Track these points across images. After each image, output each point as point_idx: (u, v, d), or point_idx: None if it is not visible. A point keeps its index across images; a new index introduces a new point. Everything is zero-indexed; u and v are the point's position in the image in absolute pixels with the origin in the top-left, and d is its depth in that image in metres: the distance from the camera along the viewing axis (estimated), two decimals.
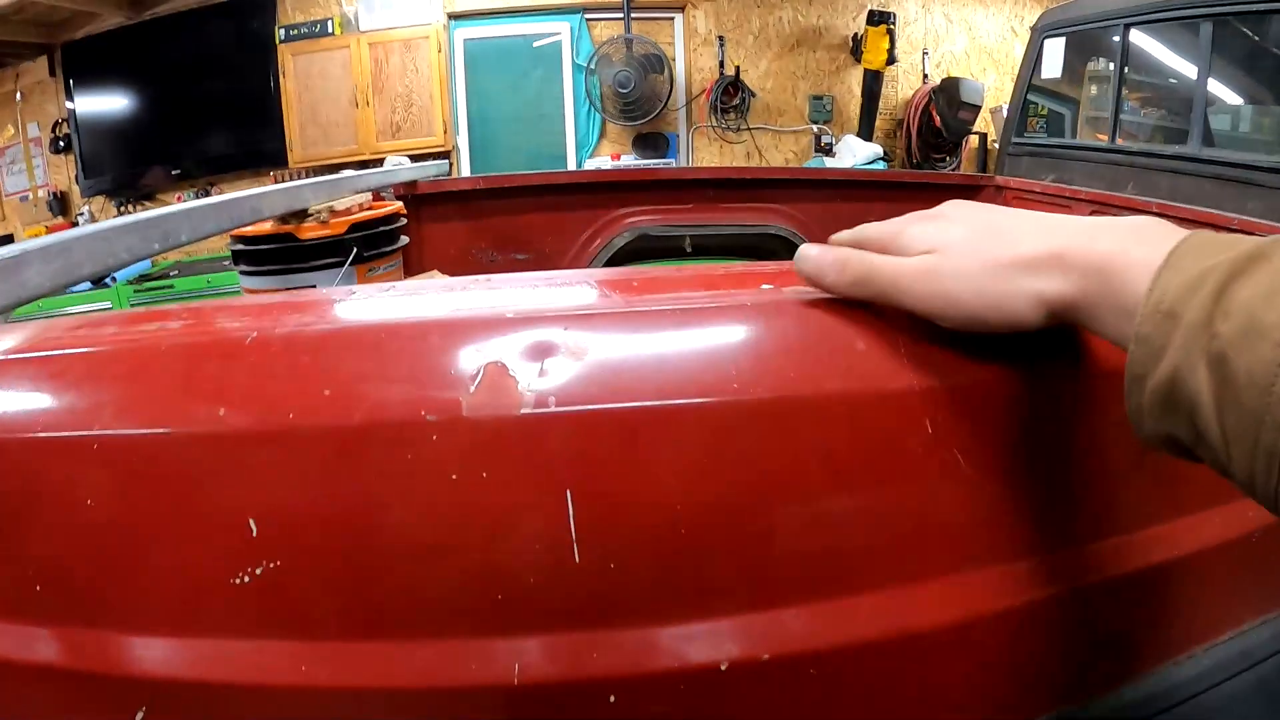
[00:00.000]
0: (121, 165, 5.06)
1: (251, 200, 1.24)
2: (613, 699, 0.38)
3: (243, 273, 1.54)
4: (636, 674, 0.39)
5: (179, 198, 4.97)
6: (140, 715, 0.42)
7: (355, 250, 1.48)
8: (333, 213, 1.47)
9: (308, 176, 4.46)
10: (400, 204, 1.75)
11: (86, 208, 5.09)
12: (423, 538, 0.38)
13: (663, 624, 0.39)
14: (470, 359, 0.39)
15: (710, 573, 0.39)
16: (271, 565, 0.38)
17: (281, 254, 1.47)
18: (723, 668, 0.38)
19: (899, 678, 0.43)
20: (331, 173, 4.44)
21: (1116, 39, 2.65)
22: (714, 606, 0.39)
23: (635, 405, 0.39)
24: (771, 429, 0.39)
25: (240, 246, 1.51)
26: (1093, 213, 2.20)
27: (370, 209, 1.61)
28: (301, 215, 1.46)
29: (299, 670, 0.40)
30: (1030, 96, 2.94)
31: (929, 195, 2.64)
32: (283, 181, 4.18)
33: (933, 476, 0.41)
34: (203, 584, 0.41)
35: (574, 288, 0.49)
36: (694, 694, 0.39)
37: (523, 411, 0.37)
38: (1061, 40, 2.84)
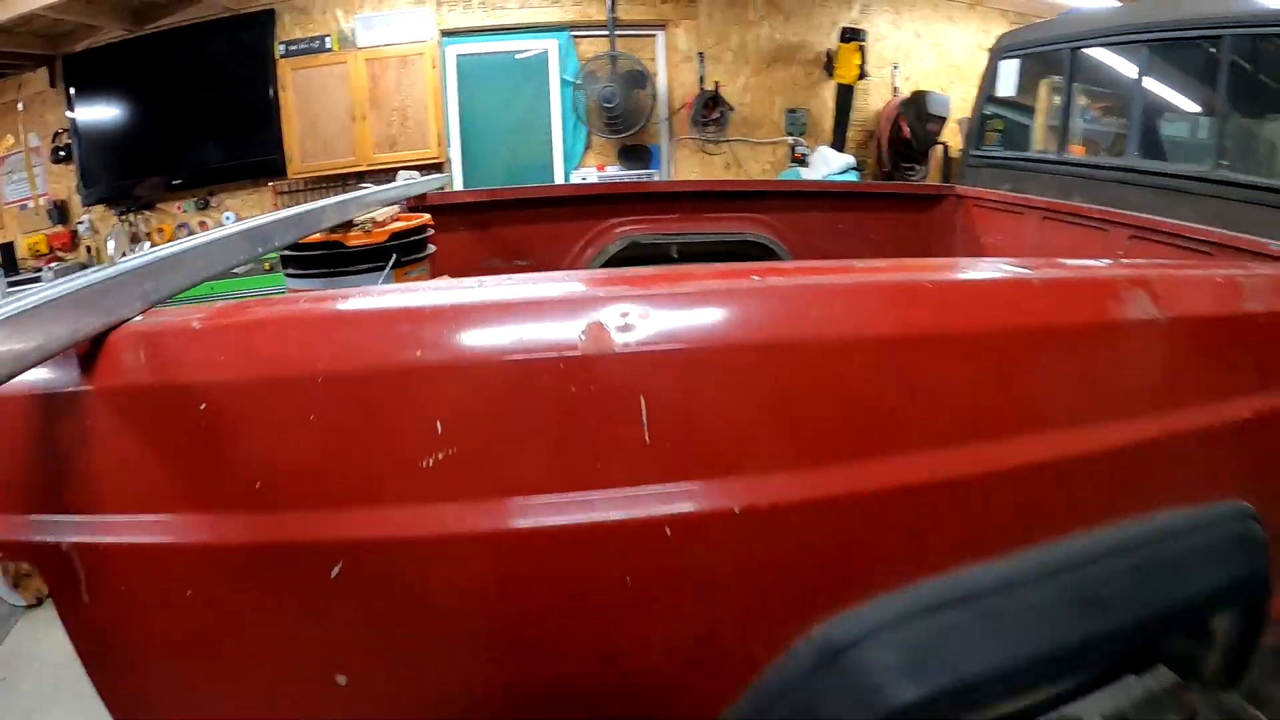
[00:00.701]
0: (121, 175, 5.14)
1: (322, 212, 1.49)
2: (668, 532, 0.66)
3: (290, 275, 1.75)
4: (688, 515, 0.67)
5: (179, 207, 5.16)
6: (337, 569, 0.66)
7: (395, 256, 1.69)
8: (375, 223, 1.69)
9: (307, 187, 4.63)
10: (428, 215, 1.95)
11: (87, 216, 5.22)
12: (552, 430, 0.67)
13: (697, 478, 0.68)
14: (578, 321, 0.68)
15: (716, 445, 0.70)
16: (450, 452, 0.63)
17: (329, 259, 1.68)
18: (737, 510, 0.68)
19: None
20: (331, 183, 4.62)
21: (1065, 61, 2.90)
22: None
23: (679, 347, 0.69)
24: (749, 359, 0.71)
25: (290, 253, 1.72)
26: (1043, 219, 2.46)
27: (401, 220, 1.83)
28: (348, 225, 1.67)
29: (463, 521, 0.65)
30: (991, 111, 3.23)
31: (895, 205, 2.91)
32: (282, 192, 4.34)
33: None
34: (401, 467, 0.65)
35: (626, 279, 0.76)
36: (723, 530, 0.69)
37: (615, 351, 0.66)
38: (1015, 62, 3.10)
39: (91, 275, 0.73)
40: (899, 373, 0.77)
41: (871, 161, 5.59)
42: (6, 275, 4.81)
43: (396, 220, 1.83)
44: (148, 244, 5.13)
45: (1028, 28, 3.33)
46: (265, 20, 4.96)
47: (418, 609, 0.70)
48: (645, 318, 0.69)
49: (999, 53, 3.19)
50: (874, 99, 5.61)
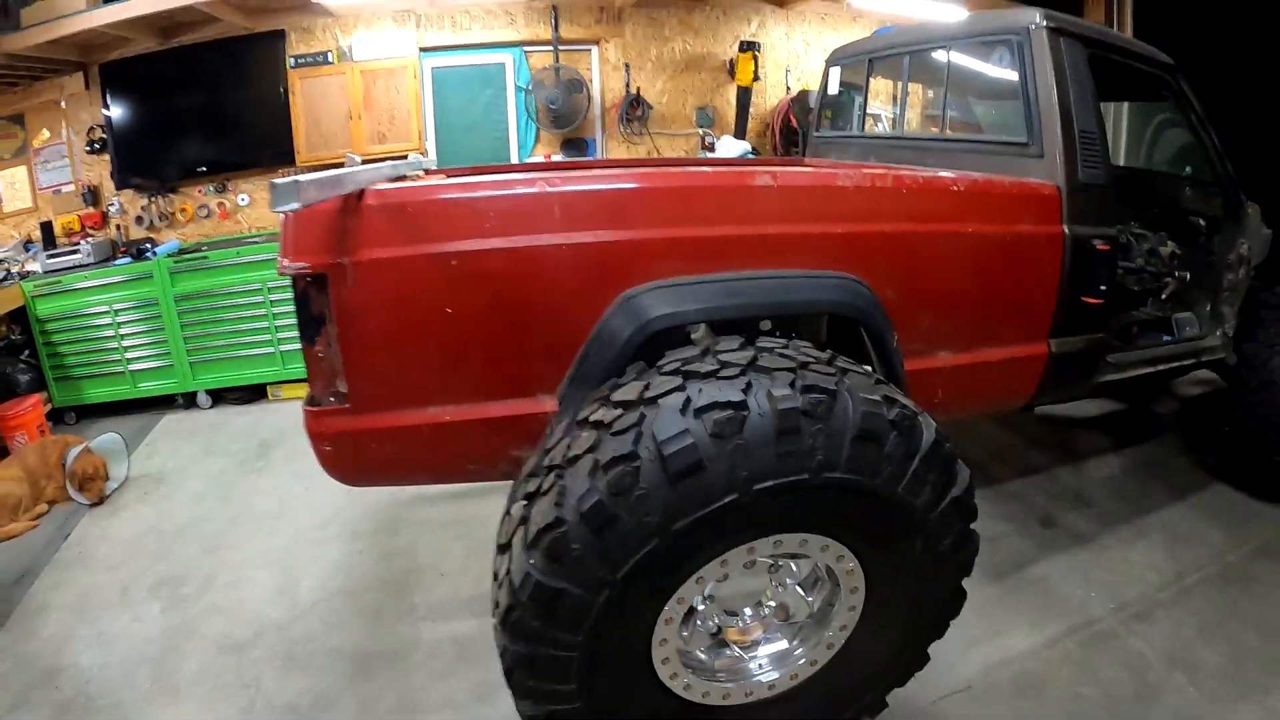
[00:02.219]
0: (150, 163, 5.93)
1: (394, 168, 2.57)
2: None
3: None
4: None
5: (200, 190, 6.05)
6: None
7: None
8: (418, 177, 2.94)
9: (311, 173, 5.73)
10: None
11: (117, 199, 6.01)
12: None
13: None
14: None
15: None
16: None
17: None
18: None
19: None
20: (332, 169, 5.86)
21: (865, 67, 3.99)
22: None
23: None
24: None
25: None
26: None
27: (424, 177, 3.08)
28: (402, 178, 2.82)
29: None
30: (824, 104, 4.34)
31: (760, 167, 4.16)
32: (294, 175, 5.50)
33: None
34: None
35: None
36: None
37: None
38: (838, 69, 4.16)
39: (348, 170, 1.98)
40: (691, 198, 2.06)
41: (767, 147, 6.62)
42: (46, 249, 5.68)
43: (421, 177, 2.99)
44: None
45: (847, 45, 4.25)
46: (277, 37, 5.81)
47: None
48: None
49: (829, 63, 4.21)
50: (770, 97, 6.68)
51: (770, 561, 1.98)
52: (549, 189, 1.95)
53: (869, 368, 2.07)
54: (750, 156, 5.99)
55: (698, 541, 1.69)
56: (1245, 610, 3.01)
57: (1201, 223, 3.76)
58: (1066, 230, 2.67)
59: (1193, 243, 3.77)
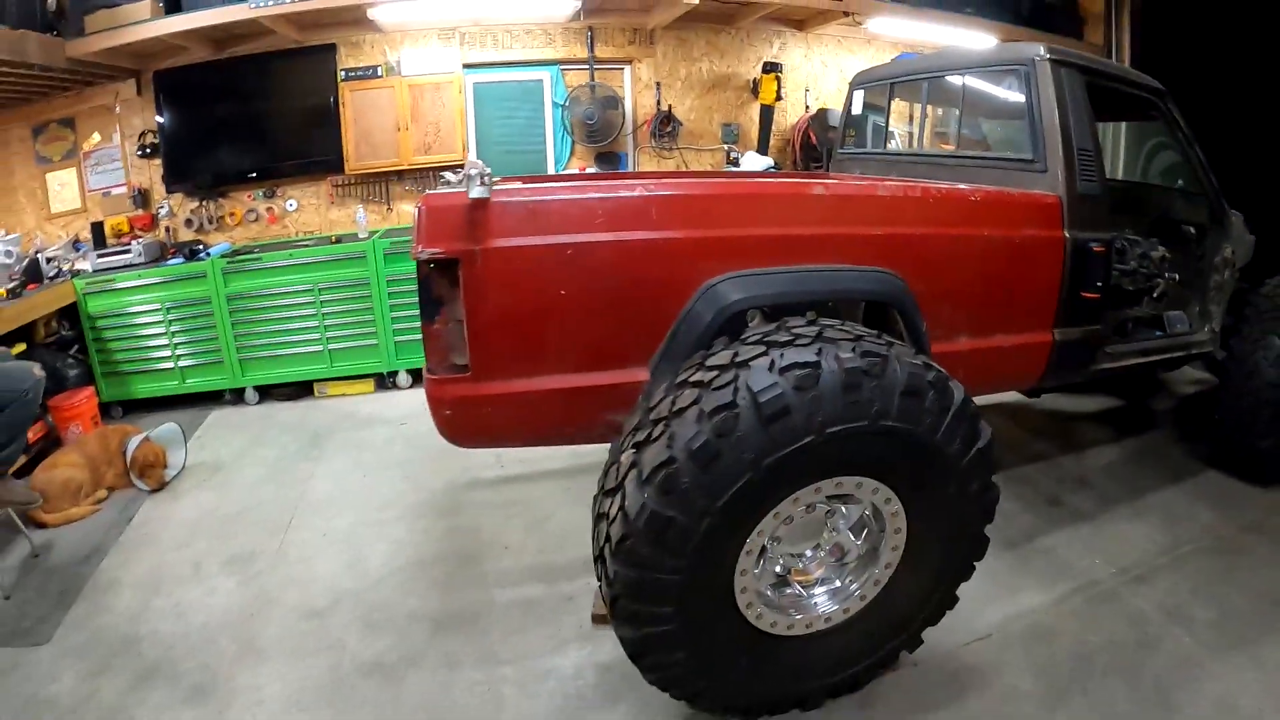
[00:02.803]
0: (201, 168, 6.20)
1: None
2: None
3: None
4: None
5: (249, 195, 6.34)
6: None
7: None
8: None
9: (358, 181, 6.08)
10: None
11: (166, 202, 6.30)
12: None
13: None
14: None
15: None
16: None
17: None
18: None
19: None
20: (379, 178, 6.18)
21: (887, 90, 4.31)
22: None
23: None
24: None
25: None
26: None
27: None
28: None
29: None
30: (849, 123, 4.66)
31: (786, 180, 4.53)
32: (337, 185, 5.84)
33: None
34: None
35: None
36: None
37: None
38: (861, 91, 4.49)
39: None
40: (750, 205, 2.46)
41: (787, 162, 6.98)
42: (96, 248, 5.92)
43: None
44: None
45: (870, 69, 4.62)
46: (328, 51, 6.11)
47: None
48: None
49: (852, 86, 4.57)
50: (790, 115, 7.06)
51: (827, 506, 2.30)
52: (647, 193, 2.32)
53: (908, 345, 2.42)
54: (772, 170, 6.33)
55: (781, 477, 2.04)
56: (1236, 576, 3.32)
57: (1191, 230, 4.15)
58: (1067, 235, 3.10)
59: (1182, 248, 4.11)
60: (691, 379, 2.07)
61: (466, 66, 6.46)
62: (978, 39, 6.95)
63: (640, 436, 2.06)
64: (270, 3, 5.29)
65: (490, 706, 2.61)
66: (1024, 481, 4.23)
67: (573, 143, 6.74)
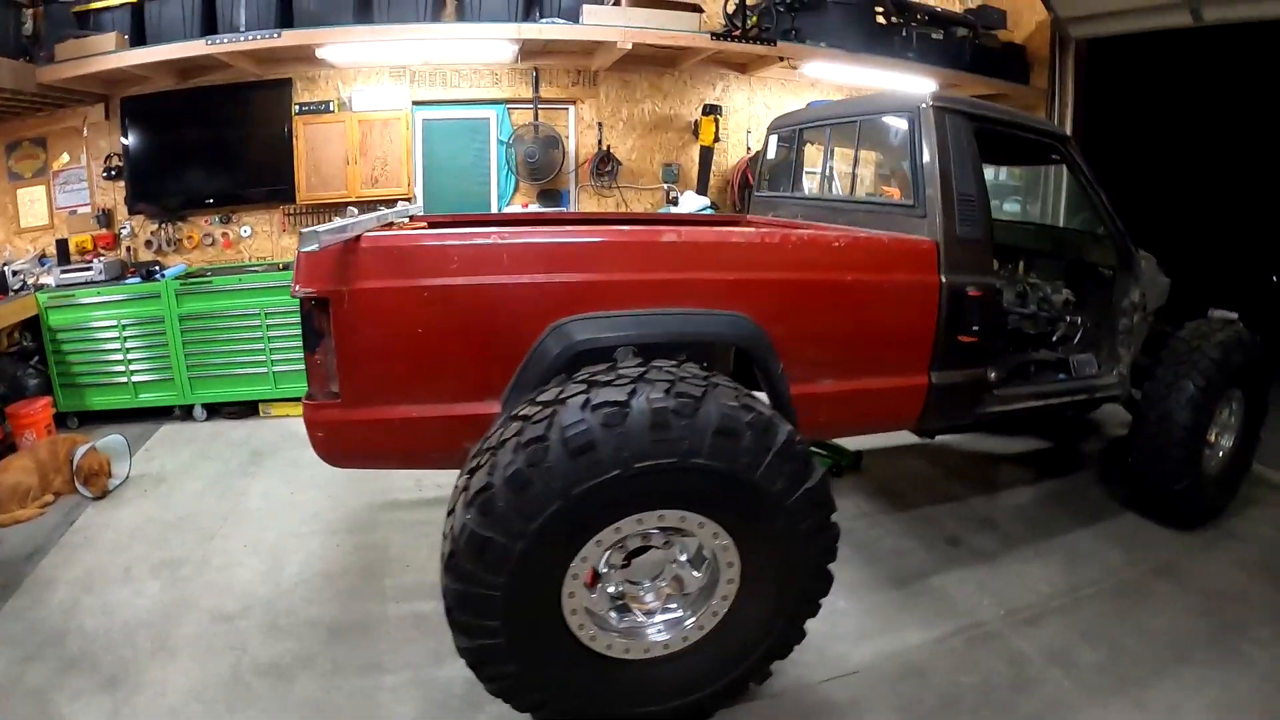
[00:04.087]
0: (162, 192, 6.53)
1: (379, 217, 3.24)
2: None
3: None
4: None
5: (206, 220, 6.69)
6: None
7: None
8: (402, 224, 3.62)
9: (309, 211, 6.40)
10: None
11: (128, 223, 6.61)
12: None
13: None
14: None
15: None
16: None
17: None
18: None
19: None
20: (328, 209, 6.57)
21: (795, 136, 4.51)
22: None
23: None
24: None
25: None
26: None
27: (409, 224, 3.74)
28: (390, 224, 3.58)
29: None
30: (764, 168, 4.89)
31: (709, 224, 4.82)
32: (290, 214, 6.19)
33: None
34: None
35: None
36: None
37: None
38: (776, 136, 4.72)
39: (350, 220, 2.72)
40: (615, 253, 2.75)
41: (727, 203, 7.29)
42: (61, 264, 6.22)
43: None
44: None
45: (784, 115, 4.82)
46: (285, 85, 6.50)
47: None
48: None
49: (769, 130, 4.78)
50: (731, 155, 7.41)
51: (660, 535, 2.49)
52: (499, 241, 2.63)
53: (739, 387, 2.52)
54: (709, 211, 6.62)
55: (593, 507, 2.25)
56: (1133, 619, 3.40)
57: (1106, 273, 4.28)
58: (944, 279, 3.22)
59: (1096, 291, 4.26)
60: (520, 413, 2.31)
61: (416, 103, 6.85)
62: (918, 84, 7.07)
63: (473, 463, 2.32)
64: (226, 40, 5.64)
65: (365, 709, 2.94)
66: (928, 521, 4.36)
67: (517, 180, 7.06)
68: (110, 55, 5.77)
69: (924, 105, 3.35)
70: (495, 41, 6.17)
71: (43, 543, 4.21)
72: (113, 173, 6.60)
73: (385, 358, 2.65)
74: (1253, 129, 7.30)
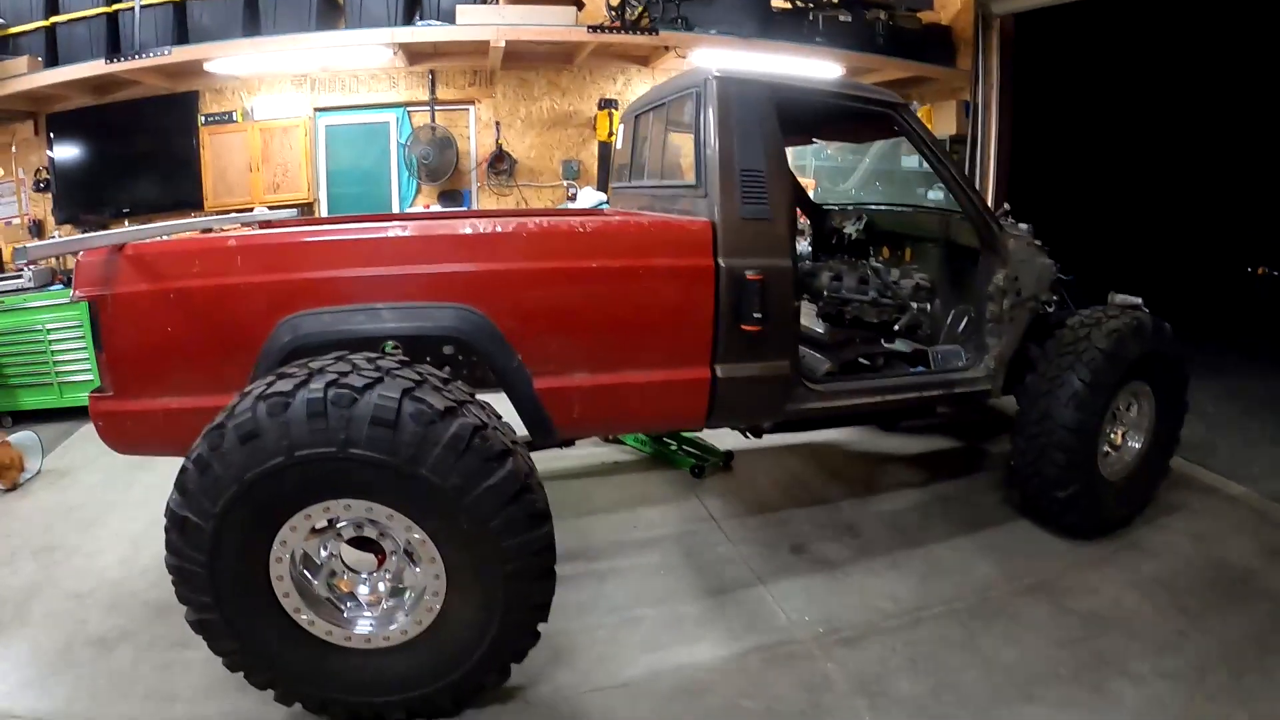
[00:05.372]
0: (85, 202, 7.02)
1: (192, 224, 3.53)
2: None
3: None
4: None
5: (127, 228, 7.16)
6: None
7: None
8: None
9: (213, 218, 6.74)
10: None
11: (57, 232, 7.09)
12: None
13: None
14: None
15: None
16: None
17: None
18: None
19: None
20: (231, 215, 6.94)
21: (631, 123, 4.34)
22: None
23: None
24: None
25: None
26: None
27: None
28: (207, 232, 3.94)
29: None
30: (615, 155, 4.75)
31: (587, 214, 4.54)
32: (198, 218, 6.58)
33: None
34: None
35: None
36: None
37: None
38: (623, 125, 4.54)
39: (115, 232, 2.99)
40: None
41: None
42: None
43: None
44: None
45: (632, 103, 4.63)
46: (192, 98, 7.00)
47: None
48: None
49: (621, 119, 4.70)
50: None
51: (371, 527, 2.58)
52: (230, 244, 2.97)
53: (435, 380, 2.54)
54: (605, 206, 6.53)
55: (270, 493, 2.38)
56: (980, 645, 3.05)
57: (975, 256, 3.93)
58: (721, 262, 3.07)
59: (963, 276, 3.99)
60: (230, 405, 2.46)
61: (319, 110, 7.31)
62: (823, 69, 6.97)
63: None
64: (123, 59, 6.10)
65: (163, 679, 3.21)
66: (781, 526, 4.09)
67: (417, 182, 7.43)
68: (24, 77, 6.29)
69: (709, 77, 3.20)
70: (373, 47, 6.47)
71: None
72: (42, 185, 7.15)
73: (143, 354, 2.88)
74: (1201, 102, 7.04)
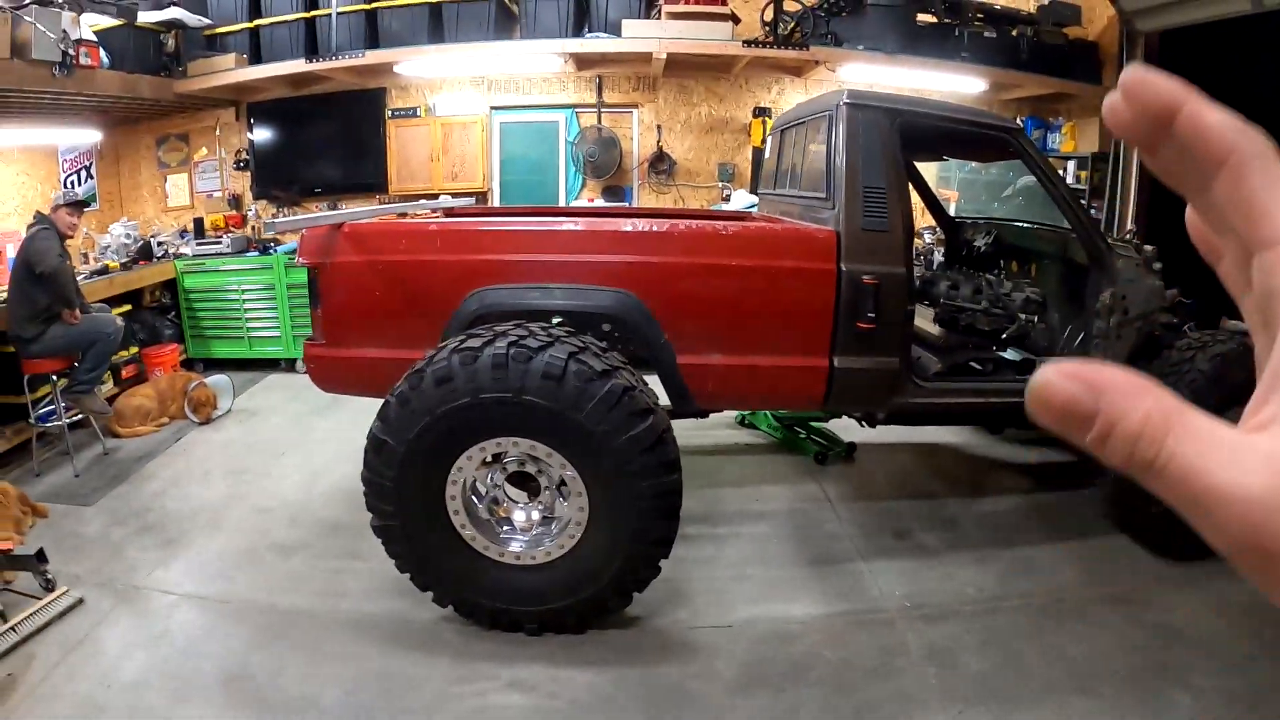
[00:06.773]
0: (281, 181, 8.05)
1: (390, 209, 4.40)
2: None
3: None
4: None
5: (315, 206, 7.97)
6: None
7: None
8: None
9: (400, 200, 7.69)
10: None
11: (254, 206, 8.11)
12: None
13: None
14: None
15: None
16: None
17: None
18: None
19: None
20: (415, 198, 7.94)
21: (778, 136, 4.78)
22: None
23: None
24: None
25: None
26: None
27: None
28: (403, 216, 4.62)
29: None
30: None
31: (732, 218, 4.99)
32: (386, 202, 7.53)
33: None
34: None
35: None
36: None
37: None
38: (772, 137, 4.98)
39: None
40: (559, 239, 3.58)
41: None
42: (196, 238, 7.76)
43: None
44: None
45: (778, 117, 5.13)
46: (380, 94, 7.88)
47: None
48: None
49: (769, 133, 5.14)
50: None
51: (532, 464, 3.17)
52: (431, 228, 3.61)
53: (594, 349, 3.08)
54: (755, 210, 7.09)
55: (455, 425, 2.99)
56: (1048, 638, 3.25)
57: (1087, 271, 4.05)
58: (843, 267, 3.47)
59: (1071, 291, 4.18)
60: (428, 355, 3.11)
61: (495, 108, 8.03)
62: (966, 84, 7.27)
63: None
64: (321, 60, 7.02)
65: (332, 581, 3.84)
66: (887, 514, 4.45)
67: (583, 177, 8.03)
68: (231, 72, 7.29)
69: (840, 103, 3.57)
70: (545, 55, 7.22)
71: (152, 450, 5.60)
72: (241, 164, 8.20)
73: (352, 312, 3.57)
74: None
